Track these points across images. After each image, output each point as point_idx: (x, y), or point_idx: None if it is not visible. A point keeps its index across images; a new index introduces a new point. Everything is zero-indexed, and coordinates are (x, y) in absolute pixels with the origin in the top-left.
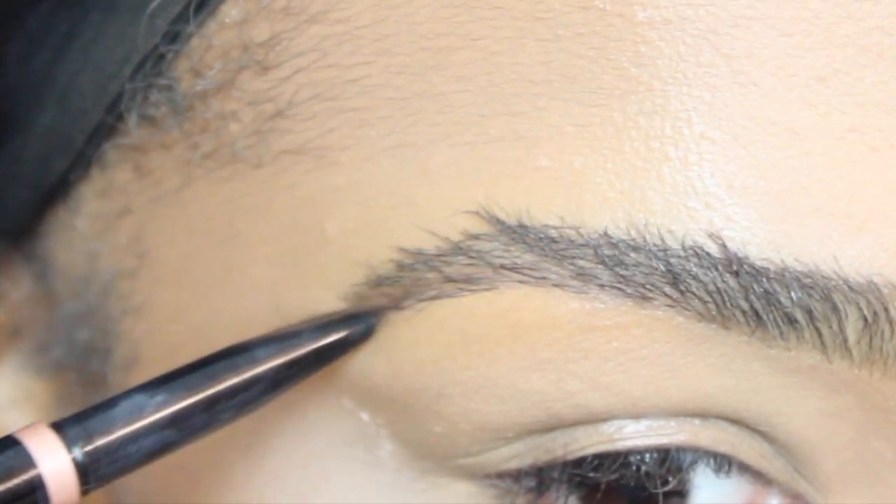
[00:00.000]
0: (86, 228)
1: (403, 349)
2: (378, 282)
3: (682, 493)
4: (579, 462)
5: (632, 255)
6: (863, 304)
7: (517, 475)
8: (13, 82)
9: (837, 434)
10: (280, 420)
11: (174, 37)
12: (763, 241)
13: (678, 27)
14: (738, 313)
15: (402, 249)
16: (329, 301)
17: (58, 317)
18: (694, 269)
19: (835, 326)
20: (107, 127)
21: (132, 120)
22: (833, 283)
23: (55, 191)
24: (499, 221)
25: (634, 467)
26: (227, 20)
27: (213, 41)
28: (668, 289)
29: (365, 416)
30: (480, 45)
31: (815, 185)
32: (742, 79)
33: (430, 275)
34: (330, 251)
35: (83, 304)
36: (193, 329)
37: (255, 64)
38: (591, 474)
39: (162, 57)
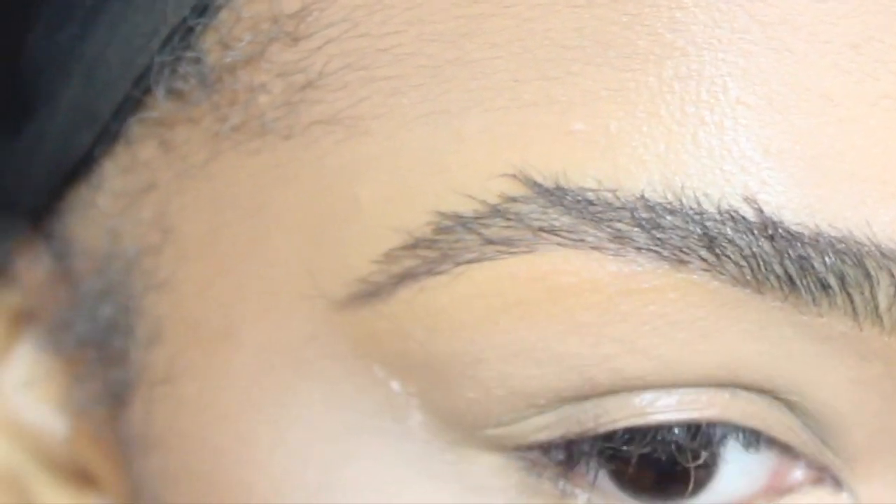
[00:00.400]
0: (109, 205)
1: (442, 313)
2: (415, 244)
3: (709, 466)
4: (610, 436)
5: (668, 218)
6: (895, 271)
7: (547, 447)
8: (40, 57)
9: (866, 403)
10: (308, 391)
11: (203, 9)
12: (798, 206)
13: None
14: (772, 278)
15: (439, 213)
16: (363, 266)
17: (79, 295)
18: (729, 232)
19: (867, 293)
20: (133, 101)
21: (160, 93)
22: (866, 248)
23: (78, 167)
24: (536, 184)
25: (665, 441)
26: None
27: (242, 13)
28: (703, 252)
29: (395, 386)
30: (513, 11)
31: (850, 150)
32: (776, 45)
33: (469, 237)
34: (364, 218)
35: (105, 282)
36: (218, 303)
37: (286, 35)
38: (624, 448)
39: (191, 30)
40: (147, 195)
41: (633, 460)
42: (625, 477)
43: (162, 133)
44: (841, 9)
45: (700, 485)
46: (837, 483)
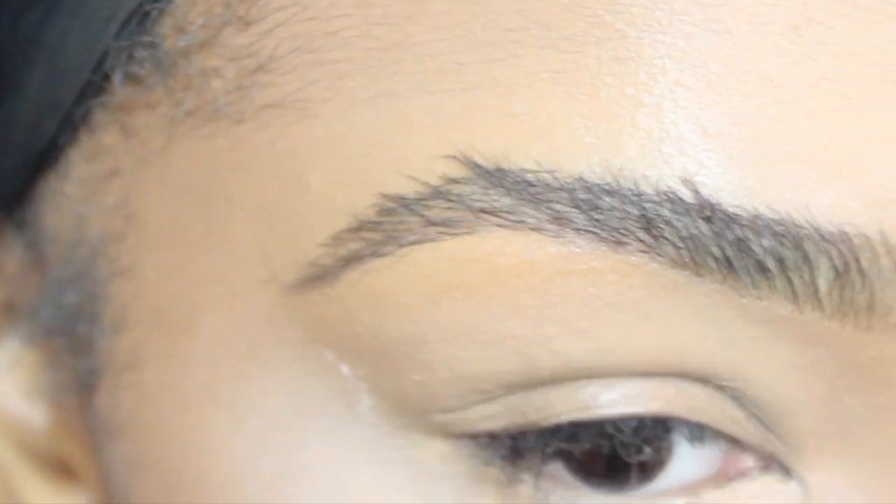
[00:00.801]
0: (75, 192)
1: (386, 295)
2: (360, 227)
3: (657, 456)
4: (554, 429)
5: (606, 199)
6: (834, 254)
7: (492, 438)
8: (5, 44)
9: (810, 388)
10: (264, 377)
11: None
12: (736, 188)
13: None
14: (710, 260)
15: (383, 195)
16: (312, 249)
17: (47, 282)
18: (667, 214)
19: (806, 276)
20: (93, 87)
21: (118, 79)
22: (805, 231)
23: (45, 155)
24: (477, 165)
25: (609, 436)
26: None
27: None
28: (641, 234)
29: (345, 370)
30: None
31: (789, 132)
32: (716, 26)
33: (412, 218)
34: (313, 201)
35: (71, 269)
36: (179, 290)
37: (237, 19)
38: (564, 445)
39: (147, 14)
40: (110, 182)
41: (577, 453)
42: (576, 463)
43: (122, 119)
44: None
45: (650, 473)
46: (786, 471)
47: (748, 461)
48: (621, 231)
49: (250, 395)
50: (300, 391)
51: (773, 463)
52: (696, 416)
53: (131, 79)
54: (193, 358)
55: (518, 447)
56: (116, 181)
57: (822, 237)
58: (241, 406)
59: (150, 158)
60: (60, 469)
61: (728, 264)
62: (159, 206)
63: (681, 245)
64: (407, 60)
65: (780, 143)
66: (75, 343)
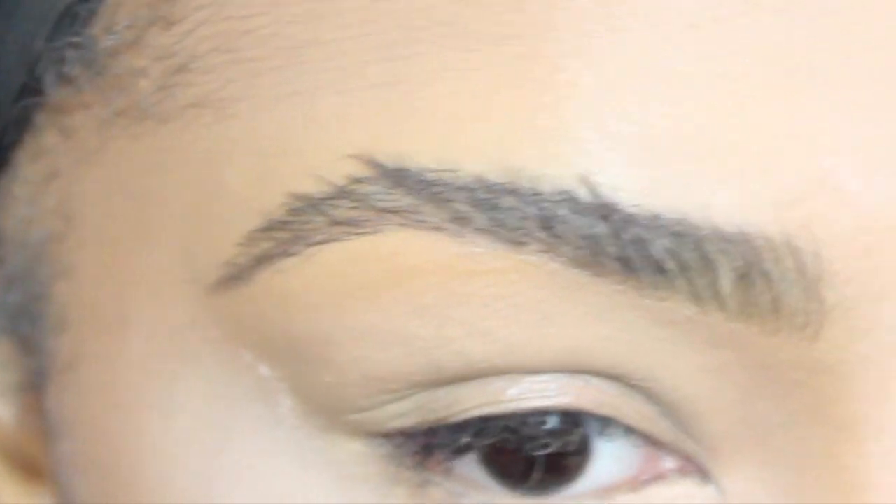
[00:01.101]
0: (21, 193)
1: (295, 295)
2: (270, 226)
3: (578, 455)
4: (463, 425)
5: (505, 199)
6: (735, 256)
7: (406, 435)
8: None
9: (720, 391)
10: (190, 378)
11: None
12: (634, 188)
13: None
14: (609, 260)
15: (292, 194)
16: (228, 249)
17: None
18: (565, 213)
19: (707, 277)
20: (31, 89)
21: (51, 80)
22: (704, 232)
23: None
24: (379, 165)
25: (515, 430)
26: None
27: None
28: (540, 233)
29: (264, 371)
30: None
31: (687, 132)
32: (615, 25)
33: (318, 218)
34: (230, 201)
35: (16, 269)
36: (114, 290)
37: (161, 19)
38: (472, 439)
39: (76, 16)
40: (51, 182)
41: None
42: (491, 465)
43: (60, 120)
44: None
45: (569, 475)
46: (704, 475)
47: (668, 463)
48: (521, 231)
49: (178, 396)
50: (224, 392)
51: (691, 466)
52: (605, 411)
53: (65, 80)
54: (126, 358)
55: (429, 444)
56: (56, 182)
57: (723, 238)
58: (170, 406)
59: (86, 159)
60: (28, 468)
61: (627, 264)
62: (95, 207)
63: (579, 245)
64: (316, 59)
65: (680, 143)
66: (23, 343)
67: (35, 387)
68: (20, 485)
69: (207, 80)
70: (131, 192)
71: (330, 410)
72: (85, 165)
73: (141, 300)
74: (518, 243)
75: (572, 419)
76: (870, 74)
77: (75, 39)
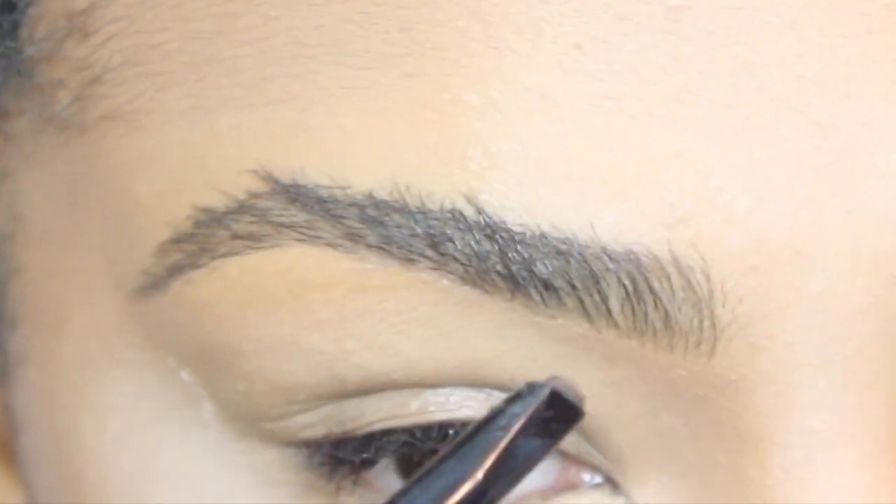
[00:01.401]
0: None
1: (204, 307)
2: (178, 238)
3: None
4: (368, 438)
5: (394, 216)
6: (622, 274)
7: (317, 445)
8: None
9: (622, 406)
10: (120, 380)
11: (11, 6)
12: (519, 206)
13: None
14: (496, 278)
15: (197, 207)
16: (144, 259)
17: None
18: (451, 231)
19: (596, 295)
20: None
21: None
22: (591, 250)
23: None
24: (275, 180)
25: (421, 442)
26: None
27: (43, 10)
28: (429, 251)
29: (185, 376)
30: (260, 10)
31: (571, 151)
32: (499, 44)
33: (221, 232)
34: (142, 212)
35: None
36: (54, 291)
37: (77, 31)
38: (375, 452)
39: (0, 25)
40: (3, 183)
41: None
42: (406, 473)
43: (2, 124)
44: (564, 8)
45: None
46: (615, 485)
47: (582, 474)
48: (410, 248)
49: (110, 397)
50: (151, 395)
51: (602, 477)
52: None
53: (4, 86)
54: (64, 358)
55: (337, 455)
56: (7, 183)
57: (610, 257)
58: (103, 407)
59: (25, 162)
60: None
61: (515, 282)
62: (35, 209)
63: (467, 263)
64: (216, 75)
65: (564, 163)
66: None
67: (1, 382)
68: (4, 468)
69: (119, 93)
70: (63, 196)
71: (246, 417)
72: (25, 168)
73: (75, 303)
74: (408, 260)
75: None
76: (755, 95)
77: (5, 48)
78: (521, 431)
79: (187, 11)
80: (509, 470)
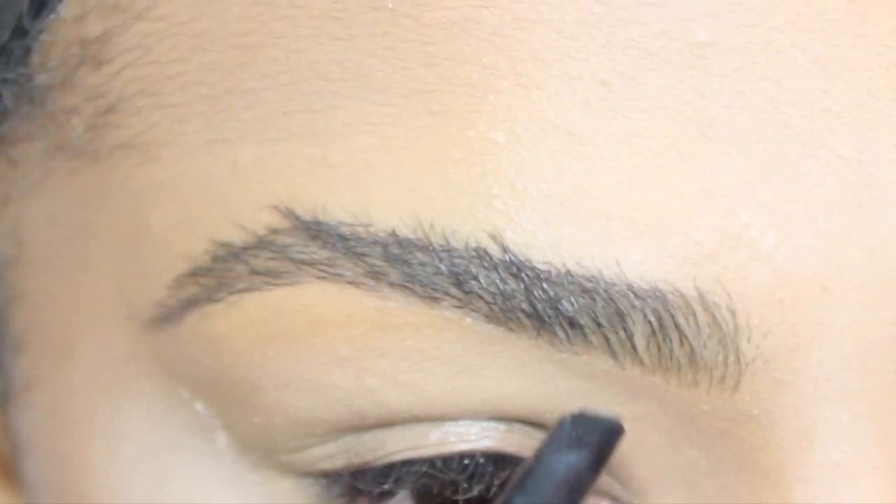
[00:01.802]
0: None
1: (221, 341)
2: (195, 272)
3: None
4: (388, 468)
5: (418, 254)
6: (648, 311)
7: (335, 476)
8: None
9: (644, 440)
10: (132, 408)
11: (23, 33)
12: (545, 244)
13: (463, 28)
14: (521, 316)
15: (215, 241)
16: (159, 290)
17: None
18: (477, 270)
19: (622, 333)
20: None
21: None
22: (617, 288)
23: None
24: (296, 217)
25: (441, 473)
26: (66, 17)
27: (56, 37)
28: (453, 289)
29: (199, 407)
30: (282, 43)
31: (598, 189)
32: (525, 81)
33: (240, 267)
34: (157, 244)
35: None
36: (59, 317)
37: (91, 59)
38: (395, 483)
39: (11, 53)
40: (5, 208)
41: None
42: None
43: (7, 150)
44: (591, 45)
45: None
46: None
47: (602, 502)
48: (434, 286)
49: (122, 425)
50: (163, 424)
51: None
52: (529, 454)
53: (10, 112)
54: (72, 385)
55: (356, 486)
56: (10, 208)
57: (635, 294)
58: (115, 434)
59: (31, 188)
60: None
61: (539, 320)
62: (41, 235)
63: (492, 301)
64: (237, 108)
65: (590, 200)
66: None
67: (2, 405)
68: (5, 488)
69: (134, 123)
70: (71, 224)
71: (261, 449)
72: (31, 195)
73: (84, 330)
74: (432, 299)
75: (494, 461)
76: (782, 131)
77: (9, 76)
78: (554, 450)
79: (206, 42)
80: (559, 487)
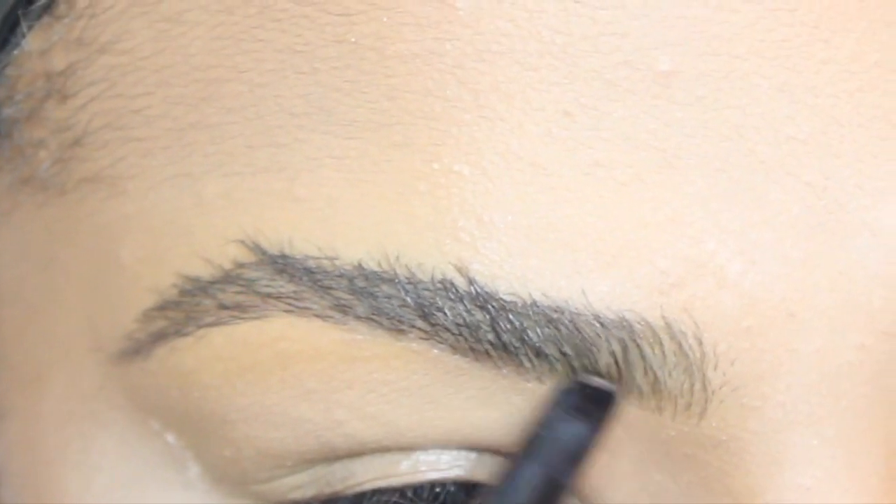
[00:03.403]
0: None
1: (189, 374)
2: (163, 306)
3: None
4: (359, 497)
5: (384, 287)
6: (614, 340)
7: None
8: None
9: (614, 465)
10: (104, 440)
11: None
12: (511, 276)
13: (425, 61)
14: (488, 347)
15: (182, 275)
16: (128, 324)
17: None
18: (443, 302)
19: (587, 361)
20: None
21: None
22: (583, 318)
23: None
24: (263, 251)
25: (411, 501)
26: (31, 50)
27: (22, 70)
28: (419, 322)
29: (170, 439)
30: (246, 77)
31: (562, 220)
32: (488, 113)
33: (207, 301)
34: (125, 277)
35: None
36: (29, 348)
37: (57, 93)
38: None
39: None
40: None
41: None
42: None
43: None
44: (553, 76)
45: None
46: None
47: None
48: (400, 319)
49: (95, 456)
50: (135, 454)
51: None
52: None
53: None
54: (43, 416)
55: None
56: None
57: (602, 324)
58: (88, 466)
59: (0, 220)
60: None
61: (506, 350)
62: (9, 267)
63: (458, 333)
64: (202, 142)
65: (554, 231)
66: None
67: None
68: None
69: (100, 156)
70: (40, 256)
71: (233, 479)
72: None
73: (54, 361)
74: (398, 331)
75: (465, 489)
76: (746, 158)
77: None
78: (560, 418)
79: (169, 76)
80: (564, 454)
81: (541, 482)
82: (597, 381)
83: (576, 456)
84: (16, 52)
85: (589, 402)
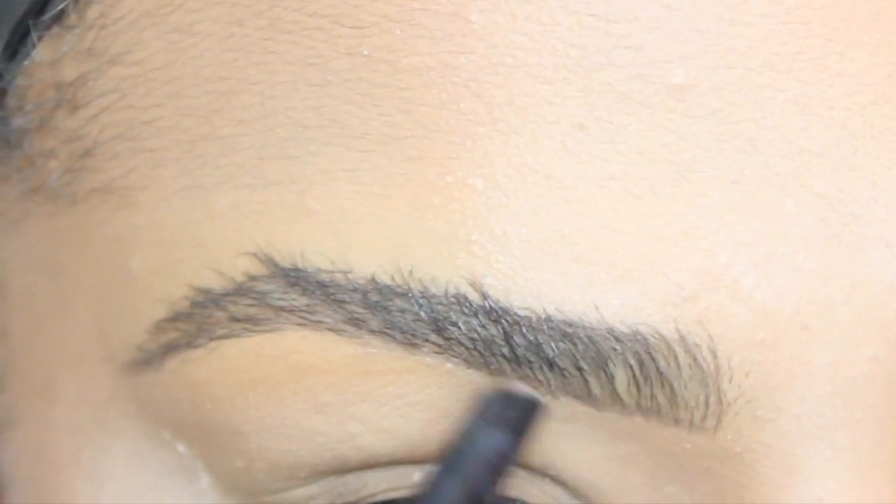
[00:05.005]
0: None
1: (201, 386)
2: (175, 317)
3: None
4: None
5: (397, 301)
6: (629, 354)
7: None
8: None
9: (626, 479)
10: (115, 449)
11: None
12: (525, 290)
13: (439, 74)
14: (502, 361)
15: (194, 287)
16: (139, 335)
17: None
18: (456, 316)
19: (602, 375)
20: None
21: None
22: (597, 332)
23: None
24: (275, 264)
25: None
26: (41, 60)
27: (32, 81)
28: (433, 336)
29: (182, 449)
30: (258, 89)
31: (576, 233)
32: (502, 126)
33: (219, 313)
34: (136, 288)
35: None
36: (39, 357)
37: (67, 103)
38: None
39: None
40: None
41: None
42: None
43: None
44: (567, 90)
45: None
46: None
47: None
48: (413, 333)
49: (106, 464)
50: (146, 464)
51: None
52: (512, 493)
53: None
54: (54, 424)
55: None
56: None
57: (616, 338)
58: (98, 474)
59: (9, 228)
60: None
61: (519, 365)
62: (19, 276)
63: (471, 347)
64: (213, 154)
65: (568, 245)
66: None
67: None
68: None
69: (111, 167)
70: (50, 265)
71: (244, 490)
72: (9, 235)
73: (64, 371)
74: (412, 345)
75: (477, 500)
76: (760, 171)
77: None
78: (481, 428)
79: (181, 88)
80: (485, 466)
81: (460, 495)
82: (518, 389)
83: (496, 467)
84: (26, 62)
85: (511, 411)
